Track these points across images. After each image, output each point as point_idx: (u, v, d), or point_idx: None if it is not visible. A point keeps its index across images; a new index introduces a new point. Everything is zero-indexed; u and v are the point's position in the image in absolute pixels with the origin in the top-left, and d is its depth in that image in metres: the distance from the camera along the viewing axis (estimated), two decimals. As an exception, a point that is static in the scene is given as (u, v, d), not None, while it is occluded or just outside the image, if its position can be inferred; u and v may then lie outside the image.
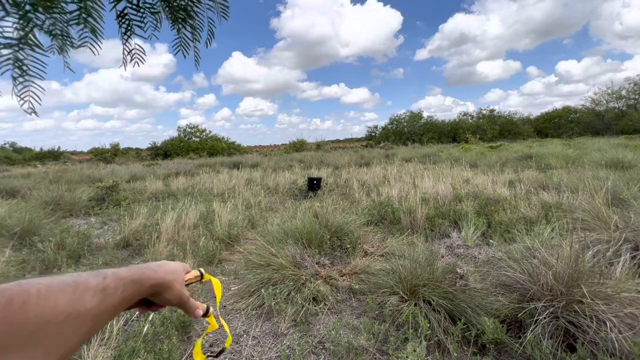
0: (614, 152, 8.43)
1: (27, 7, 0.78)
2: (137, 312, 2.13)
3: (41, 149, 32.73)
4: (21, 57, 0.79)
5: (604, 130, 32.44)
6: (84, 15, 0.87)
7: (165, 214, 4.25)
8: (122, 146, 33.38)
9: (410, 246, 3.50)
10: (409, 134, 38.01)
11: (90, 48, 0.96)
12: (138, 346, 1.88)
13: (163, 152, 31.13)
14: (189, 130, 34.46)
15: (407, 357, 1.71)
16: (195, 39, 1.19)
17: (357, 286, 2.68)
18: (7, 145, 35.68)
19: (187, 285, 0.55)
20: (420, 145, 25.87)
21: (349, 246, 3.40)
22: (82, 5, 0.86)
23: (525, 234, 3.09)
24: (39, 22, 0.82)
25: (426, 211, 4.34)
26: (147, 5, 1.02)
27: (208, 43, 1.24)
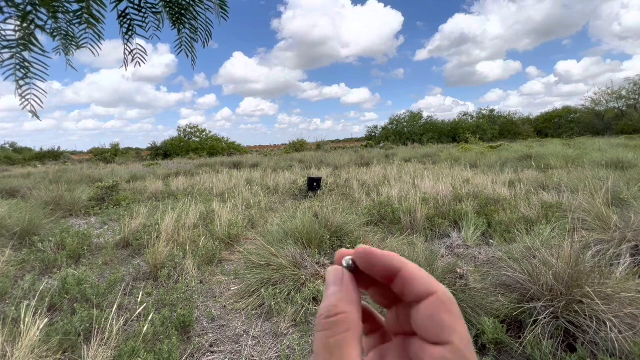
0: (614, 152, 8.43)
1: (29, 8, 0.78)
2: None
3: (41, 149, 32.76)
4: (26, 57, 0.80)
5: (604, 130, 32.44)
6: (85, 15, 0.87)
7: (165, 214, 4.26)
8: (122, 146, 33.46)
9: (410, 246, 3.50)
10: (409, 134, 38.02)
11: (90, 49, 0.96)
12: (138, 346, 1.88)
13: (163, 152, 31.15)
14: (189, 130, 34.49)
15: (407, 357, 1.71)
16: (194, 40, 1.19)
17: (357, 286, 2.68)
18: (7, 145, 35.68)
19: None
20: (420, 146, 25.87)
21: (349, 246, 3.40)
22: (84, 4, 0.86)
23: (525, 234, 3.09)
24: (40, 23, 0.82)
25: (426, 211, 4.34)
26: (149, 5, 1.02)
27: (206, 43, 1.25)
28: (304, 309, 2.41)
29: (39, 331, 1.81)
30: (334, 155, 16.53)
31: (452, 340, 0.22)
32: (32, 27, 0.79)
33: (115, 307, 2.19)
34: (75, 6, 0.88)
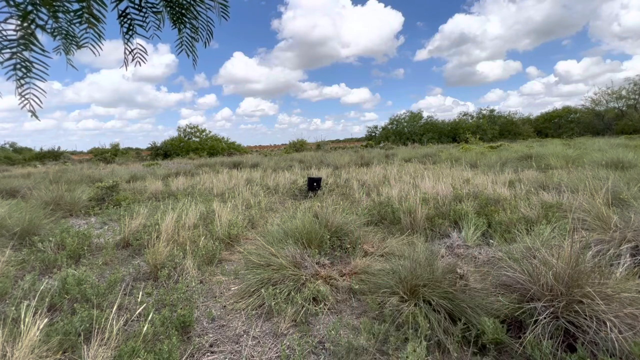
0: (614, 152, 8.43)
1: (29, 8, 0.78)
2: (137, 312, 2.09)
3: (41, 149, 32.72)
4: (26, 57, 0.80)
5: (604, 130, 32.45)
6: (86, 15, 0.87)
7: (165, 214, 4.25)
8: (122, 146, 33.45)
9: (410, 246, 3.50)
10: (409, 134, 38.01)
11: (91, 49, 0.96)
12: (138, 346, 1.88)
13: (163, 152, 31.13)
14: (189, 130, 34.46)
15: (407, 357, 1.71)
16: (195, 39, 1.19)
17: (357, 286, 2.68)
18: (7, 145, 35.66)
19: None
20: (420, 145, 25.87)
21: (349, 246, 3.40)
22: (84, 4, 0.86)
23: (525, 234, 3.09)
24: (41, 23, 0.82)
25: (426, 211, 4.34)
26: (149, 5, 1.02)
27: (207, 43, 1.25)
28: (304, 309, 2.41)
29: (39, 331, 1.81)
30: (334, 155, 16.53)
31: None
32: (33, 26, 0.79)
33: (115, 307, 2.19)
34: (76, 6, 0.88)
